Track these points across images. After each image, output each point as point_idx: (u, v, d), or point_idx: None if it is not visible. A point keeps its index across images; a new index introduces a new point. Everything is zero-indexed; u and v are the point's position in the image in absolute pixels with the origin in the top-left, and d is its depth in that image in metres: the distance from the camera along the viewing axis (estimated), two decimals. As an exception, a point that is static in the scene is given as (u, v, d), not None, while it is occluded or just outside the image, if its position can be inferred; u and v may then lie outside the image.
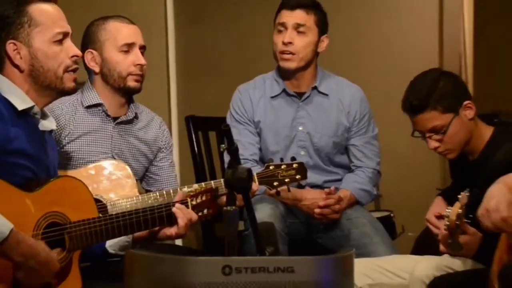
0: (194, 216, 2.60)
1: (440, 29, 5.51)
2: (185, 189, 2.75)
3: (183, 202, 2.61)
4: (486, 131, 2.94)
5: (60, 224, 2.34)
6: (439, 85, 2.90)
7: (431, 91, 2.88)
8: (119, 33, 2.98)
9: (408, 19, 5.45)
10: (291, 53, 3.45)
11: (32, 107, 2.36)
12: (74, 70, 2.42)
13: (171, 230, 2.58)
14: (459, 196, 2.73)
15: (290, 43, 3.44)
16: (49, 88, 2.40)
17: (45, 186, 2.35)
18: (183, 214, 2.57)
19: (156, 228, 2.57)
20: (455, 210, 2.71)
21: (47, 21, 2.36)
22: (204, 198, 2.67)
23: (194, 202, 2.64)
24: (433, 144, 2.91)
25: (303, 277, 1.73)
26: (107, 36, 2.98)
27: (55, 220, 2.34)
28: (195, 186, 2.76)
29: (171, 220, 2.56)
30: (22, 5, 2.33)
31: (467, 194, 2.68)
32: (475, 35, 5.02)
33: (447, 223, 2.69)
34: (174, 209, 2.56)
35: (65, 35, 2.40)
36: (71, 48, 2.41)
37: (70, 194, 2.42)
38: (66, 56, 2.39)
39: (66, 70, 2.40)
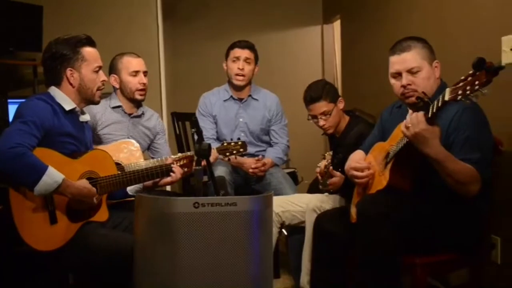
0: (180, 170, 2.63)
1: (322, 61, 5.58)
2: (174, 156, 2.73)
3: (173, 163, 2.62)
4: (346, 119, 2.99)
5: (93, 178, 2.31)
6: (326, 87, 2.94)
7: (322, 89, 2.91)
8: (130, 64, 2.95)
9: (305, 57, 5.51)
10: (243, 75, 3.44)
11: (74, 108, 2.36)
12: (101, 90, 2.42)
13: (167, 180, 2.60)
14: (325, 154, 2.81)
15: (242, 69, 3.43)
16: (86, 99, 2.39)
17: (84, 155, 2.34)
18: (178, 170, 2.60)
19: (157, 179, 2.57)
20: (323, 162, 2.80)
21: (90, 59, 2.36)
22: (185, 161, 2.66)
23: (180, 163, 2.64)
24: (322, 122, 2.92)
25: (242, 208, 1.75)
26: (122, 66, 2.95)
27: (90, 175, 2.31)
28: (179, 154, 2.75)
29: (164, 175, 2.56)
30: (77, 47, 2.33)
31: (331, 154, 2.77)
32: (342, 64, 5.08)
33: (318, 170, 2.78)
34: (174, 167, 2.59)
35: (100, 67, 2.40)
36: (102, 76, 2.41)
37: (100, 160, 2.39)
38: (99, 81, 2.39)
39: (98, 89, 2.40)
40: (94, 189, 2.24)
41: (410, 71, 2.29)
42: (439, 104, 1.94)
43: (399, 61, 2.30)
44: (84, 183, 2.22)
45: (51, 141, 2.19)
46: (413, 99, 2.29)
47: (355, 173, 2.42)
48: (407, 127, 2.06)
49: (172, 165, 2.58)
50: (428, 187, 2.21)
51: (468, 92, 1.81)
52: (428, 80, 2.28)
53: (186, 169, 2.66)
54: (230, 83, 3.53)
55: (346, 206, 2.68)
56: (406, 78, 2.29)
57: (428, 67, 2.28)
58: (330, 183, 2.75)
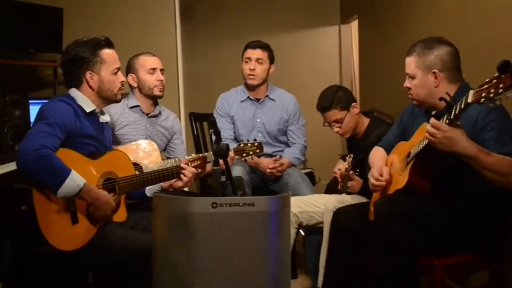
0: (194, 170, 2.59)
1: (340, 62, 5.55)
2: (187, 157, 2.73)
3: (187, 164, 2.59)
4: (365, 121, 3.00)
5: (112, 179, 2.33)
6: (337, 94, 2.95)
7: (333, 98, 2.93)
8: (146, 62, 2.97)
9: (322, 57, 5.49)
10: (254, 75, 3.44)
11: (94, 109, 2.37)
12: (121, 89, 2.43)
13: (179, 184, 2.57)
14: (346, 157, 2.80)
15: (254, 69, 3.43)
16: (107, 99, 2.40)
17: (103, 156, 2.35)
18: (190, 170, 2.56)
19: (173, 181, 2.55)
20: (344, 165, 2.79)
21: (109, 61, 2.36)
22: (198, 162, 2.65)
23: (193, 164, 2.63)
24: (336, 129, 2.96)
25: (260, 209, 1.74)
26: (139, 65, 2.97)
27: (109, 176, 2.33)
28: (193, 155, 2.74)
29: (179, 176, 2.55)
30: (96, 49, 2.33)
31: (352, 157, 2.76)
32: (360, 65, 5.05)
33: (338, 172, 2.80)
34: (182, 165, 2.55)
35: (118, 69, 2.41)
36: (121, 76, 2.41)
37: (118, 160, 2.41)
38: (118, 81, 2.40)
39: (118, 90, 2.41)
40: (112, 200, 2.25)
41: (409, 76, 2.32)
42: (462, 106, 1.93)
43: (406, 63, 2.34)
44: (105, 193, 2.23)
45: (71, 142, 2.21)
46: (415, 102, 2.34)
47: (371, 179, 2.41)
48: (433, 136, 2.03)
49: (185, 166, 2.55)
50: (448, 188, 2.19)
51: (492, 95, 1.78)
52: (421, 88, 2.28)
53: (200, 170, 2.66)
54: (245, 84, 3.54)
55: (365, 203, 2.67)
56: (406, 81, 2.34)
57: (421, 75, 2.27)
58: (349, 185, 2.76)
